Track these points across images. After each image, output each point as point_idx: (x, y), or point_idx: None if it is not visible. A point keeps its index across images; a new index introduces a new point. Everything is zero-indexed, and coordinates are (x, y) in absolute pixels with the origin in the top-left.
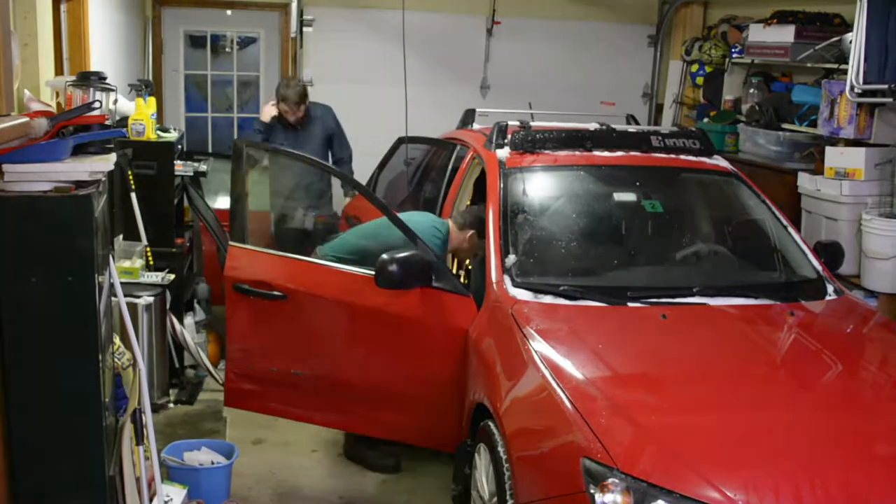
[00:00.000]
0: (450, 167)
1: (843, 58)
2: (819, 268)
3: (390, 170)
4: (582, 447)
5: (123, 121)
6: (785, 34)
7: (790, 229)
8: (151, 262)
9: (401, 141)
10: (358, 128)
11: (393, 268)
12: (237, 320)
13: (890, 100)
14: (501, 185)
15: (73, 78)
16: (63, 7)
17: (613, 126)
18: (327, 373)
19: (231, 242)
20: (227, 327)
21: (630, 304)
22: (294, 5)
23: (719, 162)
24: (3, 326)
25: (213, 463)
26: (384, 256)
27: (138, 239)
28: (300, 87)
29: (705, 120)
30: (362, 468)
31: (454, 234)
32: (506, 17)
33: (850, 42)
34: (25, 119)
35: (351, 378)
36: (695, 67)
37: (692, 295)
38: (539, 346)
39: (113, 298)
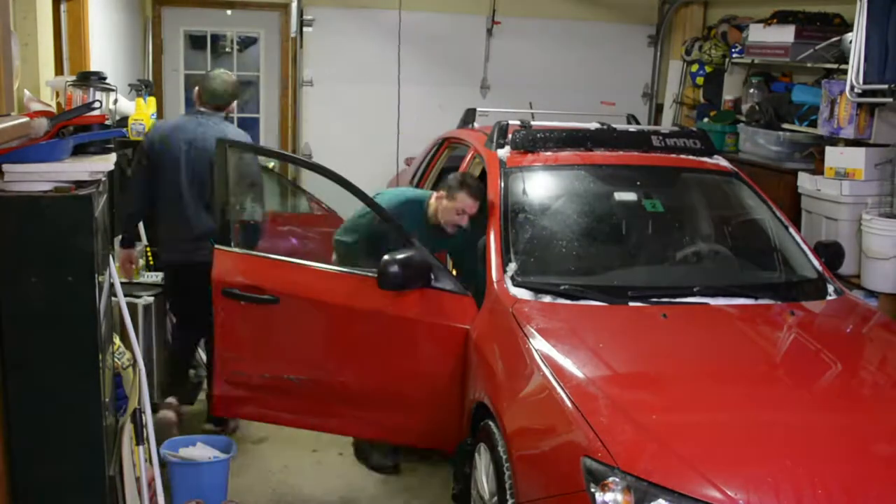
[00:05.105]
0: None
1: (843, 58)
2: (819, 268)
3: None
4: (582, 446)
5: (123, 121)
6: (785, 34)
7: (790, 229)
8: (151, 262)
9: None
10: (358, 127)
11: (395, 269)
12: (227, 326)
13: (890, 100)
14: (502, 185)
15: (73, 78)
16: (63, 7)
17: (614, 126)
18: (323, 376)
19: (217, 246)
20: (216, 334)
21: (631, 304)
22: (294, 5)
23: (720, 162)
24: (3, 326)
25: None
26: (386, 258)
27: (138, 239)
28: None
29: (705, 120)
30: (362, 468)
31: (435, 203)
32: (506, 17)
33: (850, 42)
34: (25, 119)
35: (348, 381)
36: (695, 67)
37: (693, 294)
38: (540, 346)
39: (113, 298)
